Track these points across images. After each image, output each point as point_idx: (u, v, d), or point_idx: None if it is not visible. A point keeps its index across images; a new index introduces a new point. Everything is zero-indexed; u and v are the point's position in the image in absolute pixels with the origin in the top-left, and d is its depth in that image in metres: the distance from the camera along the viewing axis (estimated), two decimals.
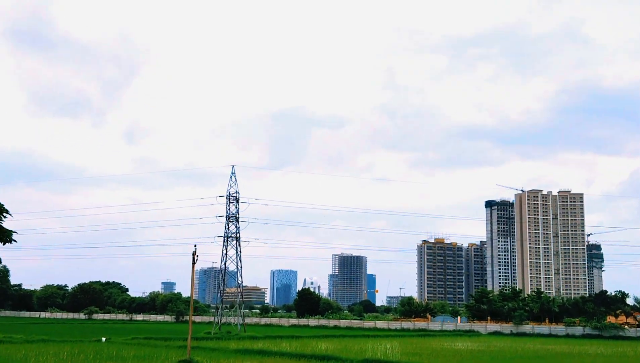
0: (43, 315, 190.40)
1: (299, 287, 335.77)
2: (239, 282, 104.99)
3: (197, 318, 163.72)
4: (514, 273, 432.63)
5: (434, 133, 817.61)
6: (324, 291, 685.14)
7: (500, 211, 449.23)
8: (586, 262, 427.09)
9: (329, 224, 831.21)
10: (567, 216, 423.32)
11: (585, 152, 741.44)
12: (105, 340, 69.46)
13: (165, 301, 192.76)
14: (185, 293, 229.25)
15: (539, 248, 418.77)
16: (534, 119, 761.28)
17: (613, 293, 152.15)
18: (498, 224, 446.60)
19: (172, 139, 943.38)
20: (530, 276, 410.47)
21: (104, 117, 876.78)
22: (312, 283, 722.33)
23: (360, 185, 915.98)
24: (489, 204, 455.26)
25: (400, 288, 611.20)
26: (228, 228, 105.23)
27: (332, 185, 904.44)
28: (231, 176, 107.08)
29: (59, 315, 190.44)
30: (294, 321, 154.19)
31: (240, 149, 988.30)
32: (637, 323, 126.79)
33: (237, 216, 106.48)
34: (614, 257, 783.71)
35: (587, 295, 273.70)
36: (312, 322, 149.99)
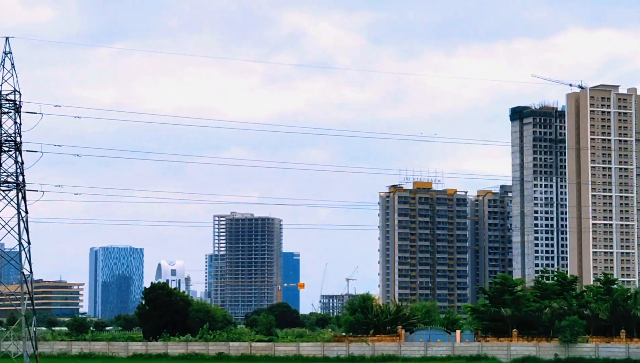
0: None
1: (149, 281, 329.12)
2: (26, 273, 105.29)
3: None
4: (563, 246, 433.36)
5: None
6: (199, 288, 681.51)
7: (540, 128, 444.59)
8: None
9: (212, 157, 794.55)
10: None
11: None
12: None
13: None
14: None
15: (611, 196, 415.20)
16: None
17: None
18: (534, 153, 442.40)
19: None
20: (594, 252, 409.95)
21: None
22: (174, 272, 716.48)
23: (274, 77, 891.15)
24: (519, 113, 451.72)
25: (348, 280, 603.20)
26: (0, 166, 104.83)
27: (217, 78, 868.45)
28: (4, 58, 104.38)
29: None
30: (138, 347, 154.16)
31: (26, 4, 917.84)
32: None
33: (19, 139, 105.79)
34: None
35: None
36: (175, 347, 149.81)
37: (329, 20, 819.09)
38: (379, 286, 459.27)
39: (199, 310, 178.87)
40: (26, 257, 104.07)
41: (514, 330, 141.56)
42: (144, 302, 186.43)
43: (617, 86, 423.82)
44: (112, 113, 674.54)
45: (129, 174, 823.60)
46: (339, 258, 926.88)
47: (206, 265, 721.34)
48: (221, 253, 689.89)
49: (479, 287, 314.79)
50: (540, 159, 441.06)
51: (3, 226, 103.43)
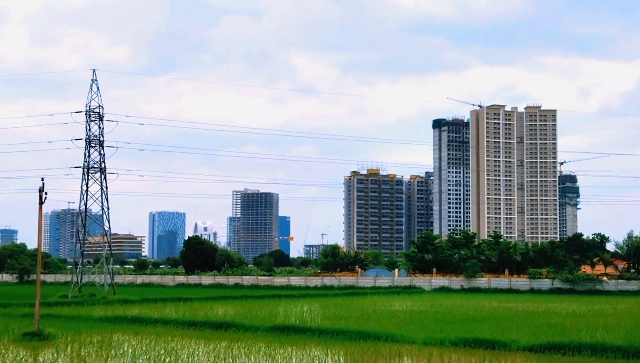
0: None
1: (189, 234, 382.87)
2: (106, 229, 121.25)
3: (49, 277, 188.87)
4: (467, 213, 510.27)
5: (377, 27, 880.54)
6: (222, 240, 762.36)
7: (452, 133, 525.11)
8: (557, 198, 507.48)
9: (228, 150, 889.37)
10: (536, 138, 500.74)
11: (568, 55, 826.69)
12: None
13: (3, 256, 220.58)
14: (31, 244, 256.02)
15: (499, 180, 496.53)
16: (504, 9, 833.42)
17: (590, 237, 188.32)
18: (449, 150, 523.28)
19: (5, 28, 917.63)
20: (488, 217, 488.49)
21: None
22: (205, 229, 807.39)
23: (273, 98, 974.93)
24: (438, 123, 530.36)
25: (323, 235, 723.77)
26: (89, 156, 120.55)
27: (235, 98, 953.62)
28: (92, 84, 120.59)
29: None
30: (181, 279, 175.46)
31: (108, 44, 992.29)
32: (618, 274, 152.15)
33: (102, 139, 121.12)
34: (593, 192, 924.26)
35: (558, 239, 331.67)
36: (206, 279, 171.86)
37: (311, 58, 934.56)
38: (343, 239, 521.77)
39: (222, 255, 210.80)
40: (106, 218, 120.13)
41: (434, 269, 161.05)
42: (184, 249, 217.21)
43: (504, 106, 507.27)
44: (164, 121, 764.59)
45: (176, 162, 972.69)
46: (318, 220, 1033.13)
47: (227, 224, 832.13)
48: (237, 216, 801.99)
49: (410, 240, 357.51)
50: (453, 154, 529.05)
51: (91, 197, 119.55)
